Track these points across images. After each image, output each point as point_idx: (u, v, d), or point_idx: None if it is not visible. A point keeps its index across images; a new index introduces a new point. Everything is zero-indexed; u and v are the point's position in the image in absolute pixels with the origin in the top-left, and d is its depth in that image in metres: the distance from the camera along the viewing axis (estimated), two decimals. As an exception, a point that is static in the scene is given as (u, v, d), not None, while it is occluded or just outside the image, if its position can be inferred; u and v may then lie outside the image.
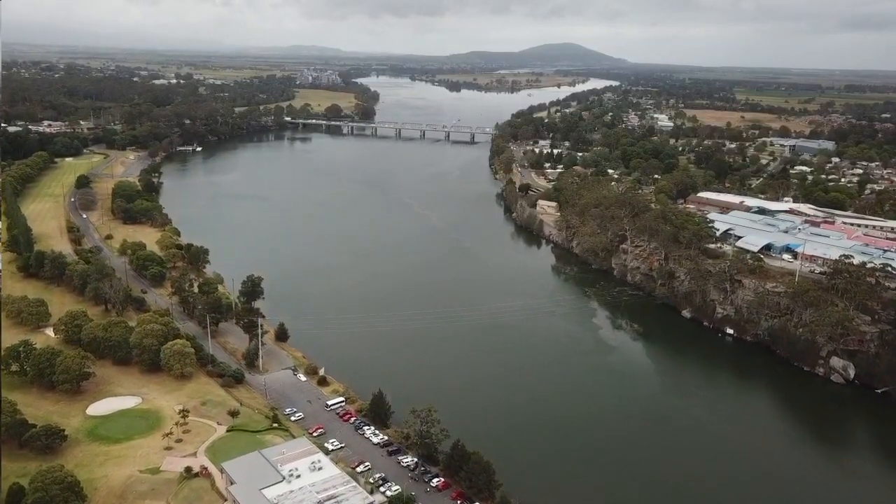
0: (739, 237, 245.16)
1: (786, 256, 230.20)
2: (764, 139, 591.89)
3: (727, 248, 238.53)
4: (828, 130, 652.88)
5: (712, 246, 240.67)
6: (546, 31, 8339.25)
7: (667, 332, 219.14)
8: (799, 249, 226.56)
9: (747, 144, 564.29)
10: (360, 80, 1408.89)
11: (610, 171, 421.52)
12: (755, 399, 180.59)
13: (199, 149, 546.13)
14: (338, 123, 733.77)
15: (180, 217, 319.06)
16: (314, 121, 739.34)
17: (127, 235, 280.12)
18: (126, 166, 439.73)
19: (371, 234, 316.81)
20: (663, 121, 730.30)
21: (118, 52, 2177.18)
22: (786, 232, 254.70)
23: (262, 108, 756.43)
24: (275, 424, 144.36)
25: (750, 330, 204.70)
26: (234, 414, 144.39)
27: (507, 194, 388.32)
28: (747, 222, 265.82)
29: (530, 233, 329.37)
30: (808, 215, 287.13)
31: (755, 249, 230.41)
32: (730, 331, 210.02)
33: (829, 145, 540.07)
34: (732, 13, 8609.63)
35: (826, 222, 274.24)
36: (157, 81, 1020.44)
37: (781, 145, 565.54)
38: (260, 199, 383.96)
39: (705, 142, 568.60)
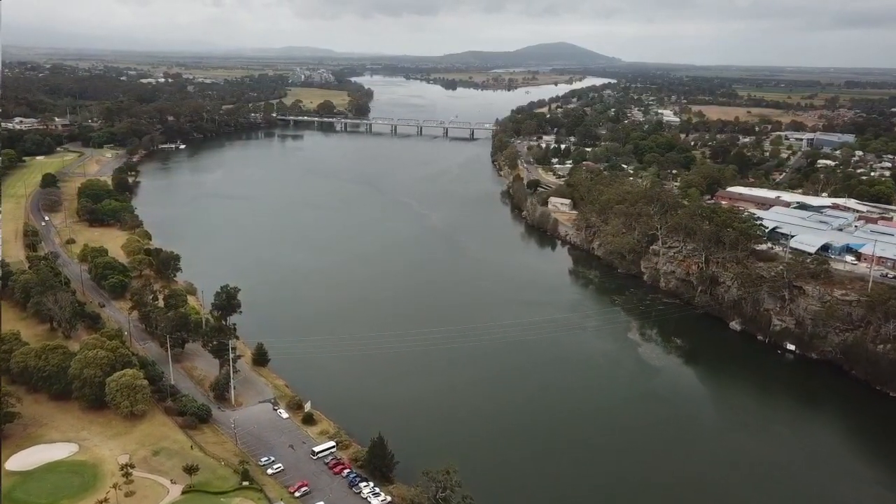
0: (791, 236, 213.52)
1: (848, 258, 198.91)
2: (778, 133, 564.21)
3: (778, 249, 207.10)
4: (842, 124, 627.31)
5: (762, 247, 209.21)
6: (540, 30, 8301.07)
7: (716, 349, 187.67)
8: (864, 250, 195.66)
9: (762, 138, 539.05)
10: (353, 79, 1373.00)
11: (624, 166, 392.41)
12: (836, 433, 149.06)
13: (182, 146, 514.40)
14: (330, 120, 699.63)
15: (155, 219, 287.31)
16: (306, 118, 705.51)
17: (91, 239, 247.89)
18: (101, 165, 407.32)
19: (368, 236, 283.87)
20: (669, 116, 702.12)
21: (109, 54, 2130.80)
22: (840, 230, 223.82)
23: (251, 105, 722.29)
24: (245, 483, 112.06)
25: (817, 346, 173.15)
26: (191, 470, 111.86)
27: (515, 192, 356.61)
28: (795, 220, 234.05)
29: (543, 233, 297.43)
30: (861, 211, 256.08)
31: (812, 250, 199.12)
32: (791, 346, 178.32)
33: (849, 139, 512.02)
34: (728, 10, 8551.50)
35: (883, 218, 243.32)
36: (144, 80, 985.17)
37: (797, 139, 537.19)
38: (246, 199, 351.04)
39: (718, 136, 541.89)
